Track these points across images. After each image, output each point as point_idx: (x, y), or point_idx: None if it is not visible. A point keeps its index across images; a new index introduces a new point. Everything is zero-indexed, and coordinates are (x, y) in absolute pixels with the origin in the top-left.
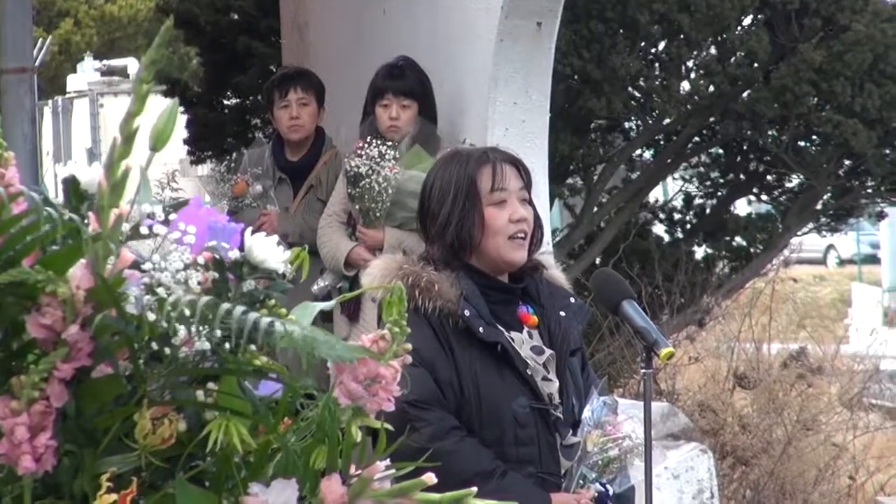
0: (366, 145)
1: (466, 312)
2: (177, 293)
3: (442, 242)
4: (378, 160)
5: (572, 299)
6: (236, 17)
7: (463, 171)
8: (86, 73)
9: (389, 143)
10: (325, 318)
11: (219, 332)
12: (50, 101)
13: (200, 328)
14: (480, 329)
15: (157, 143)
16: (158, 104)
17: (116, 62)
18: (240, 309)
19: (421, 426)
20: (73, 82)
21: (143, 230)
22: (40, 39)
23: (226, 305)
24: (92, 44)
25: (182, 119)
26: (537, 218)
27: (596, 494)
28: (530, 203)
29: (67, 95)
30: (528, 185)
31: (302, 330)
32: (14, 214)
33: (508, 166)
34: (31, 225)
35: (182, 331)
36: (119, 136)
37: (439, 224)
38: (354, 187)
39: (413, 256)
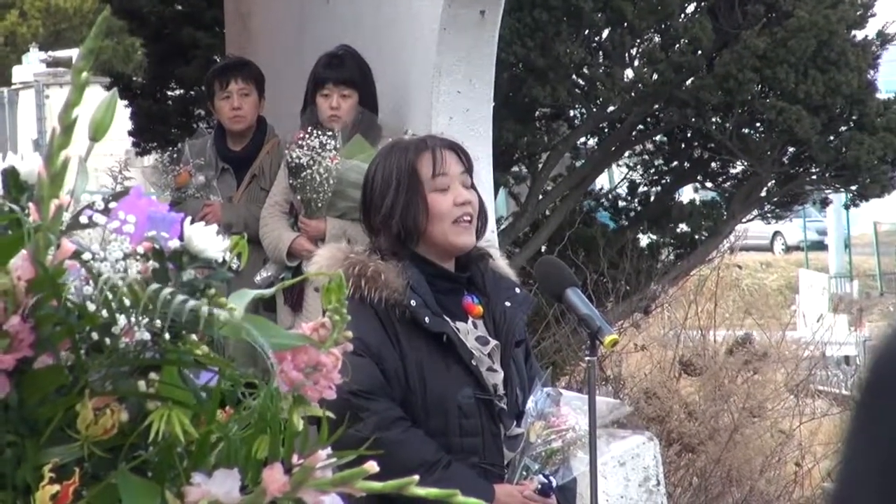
0: (307, 135)
1: (413, 302)
2: (116, 281)
3: (388, 232)
4: (319, 150)
5: (517, 290)
6: (180, 7)
7: (403, 159)
8: (31, 65)
9: (330, 133)
10: (268, 308)
11: (159, 322)
12: None
13: (140, 318)
14: (426, 319)
15: (97, 134)
16: (102, 96)
17: (62, 53)
18: (179, 297)
19: (366, 416)
20: (19, 73)
21: (84, 220)
22: None
23: (167, 290)
24: (38, 35)
25: (126, 111)
26: (481, 203)
27: (539, 486)
28: (473, 188)
29: (13, 87)
30: (469, 169)
31: (240, 318)
32: None
33: (448, 151)
34: None
35: (122, 320)
36: (58, 127)
37: (383, 215)
38: (296, 178)
39: (359, 247)
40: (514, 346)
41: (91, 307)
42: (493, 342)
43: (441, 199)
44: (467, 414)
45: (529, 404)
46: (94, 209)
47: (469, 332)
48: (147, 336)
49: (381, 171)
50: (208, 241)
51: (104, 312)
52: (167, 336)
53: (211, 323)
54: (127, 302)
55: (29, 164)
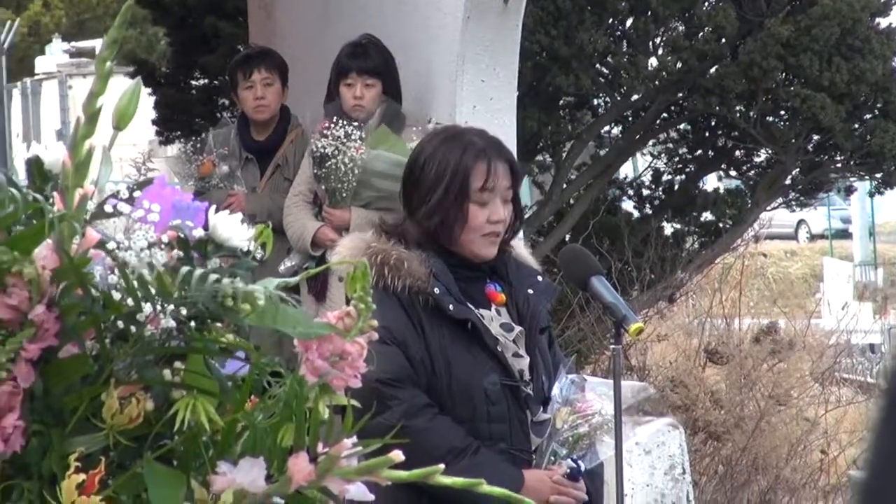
0: (331, 125)
1: (436, 290)
2: (142, 269)
3: (423, 227)
4: (344, 140)
5: (540, 277)
6: None
7: (459, 162)
8: (54, 55)
9: (355, 124)
10: None
11: (185, 310)
12: (19, 83)
13: (166, 305)
14: (450, 307)
15: (121, 123)
16: (125, 85)
17: (85, 44)
18: (212, 276)
19: (393, 404)
20: (42, 64)
21: (108, 209)
22: (9, 21)
23: (199, 271)
24: (61, 25)
25: (150, 100)
26: (518, 211)
27: (567, 470)
28: (514, 199)
29: (36, 77)
30: (515, 183)
31: (270, 295)
32: None
33: (502, 165)
34: None
35: (148, 308)
36: (82, 116)
37: (426, 210)
38: (320, 168)
39: (383, 234)
40: (538, 332)
41: (116, 296)
42: (518, 328)
43: (478, 213)
44: (494, 400)
45: (555, 390)
46: (118, 198)
47: (493, 319)
48: (172, 324)
49: (434, 162)
50: (233, 230)
51: (129, 301)
52: (192, 324)
53: (237, 309)
54: (152, 290)
55: (53, 153)
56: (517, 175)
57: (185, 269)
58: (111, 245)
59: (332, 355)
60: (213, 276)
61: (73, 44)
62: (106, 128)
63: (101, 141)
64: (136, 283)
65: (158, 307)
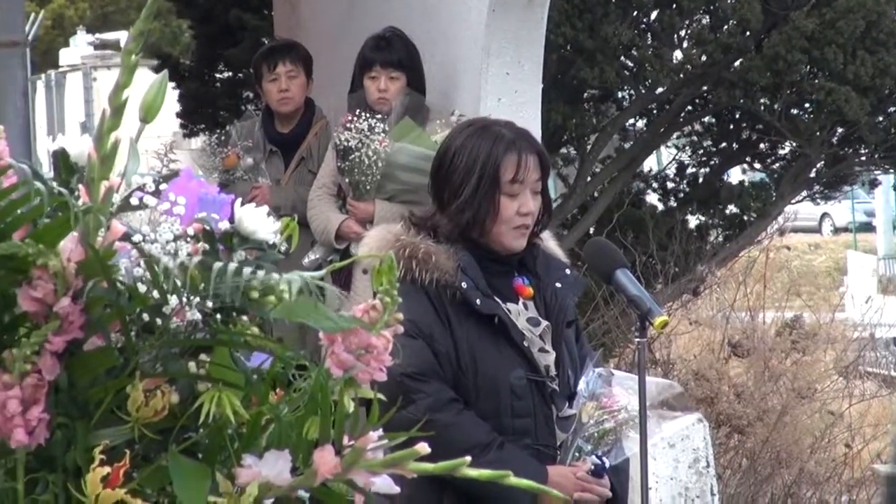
0: (355, 118)
1: (463, 284)
2: (168, 262)
3: (455, 222)
4: (367, 133)
5: (568, 271)
6: None
7: (490, 154)
8: (79, 47)
9: (378, 116)
10: None
11: (210, 303)
12: (43, 76)
13: (192, 297)
14: (477, 301)
15: (148, 115)
16: (149, 79)
17: (109, 36)
18: (233, 267)
19: (419, 398)
20: (66, 56)
21: (134, 201)
22: (33, 13)
23: (219, 263)
24: (85, 17)
25: (174, 93)
26: (547, 203)
27: (592, 467)
28: (543, 191)
29: (60, 69)
30: (545, 175)
31: (299, 281)
32: (4, 188)
33: (533, 158)
34: (21, 198)
35: (174, 300)
36: (108, 109)
37: (458, 205)
38: (344, 161)
39: (411, 227)
40: (565, 326)
41: (142, 288)
42: (545, 323)
43: (509, 205)
44: (519, 395)
45: (581, 385)
46: (144, 191)
47: (520, 314)
48: (198, 316)
49: (465, 154)
50: (259, 222)
51: (155, 293)
52: (218, 317)
53: (263, 304)
54: (178, 282)
55: (79, 145)
56: (546, 167)
57: (215, 264)
58: (137, 237)
59: (357, 348)
60: (241, 269)
61: (97, 36)
62: (130, 120)
63: (126, 133)
64: (161, 277)
65: (184, 299)
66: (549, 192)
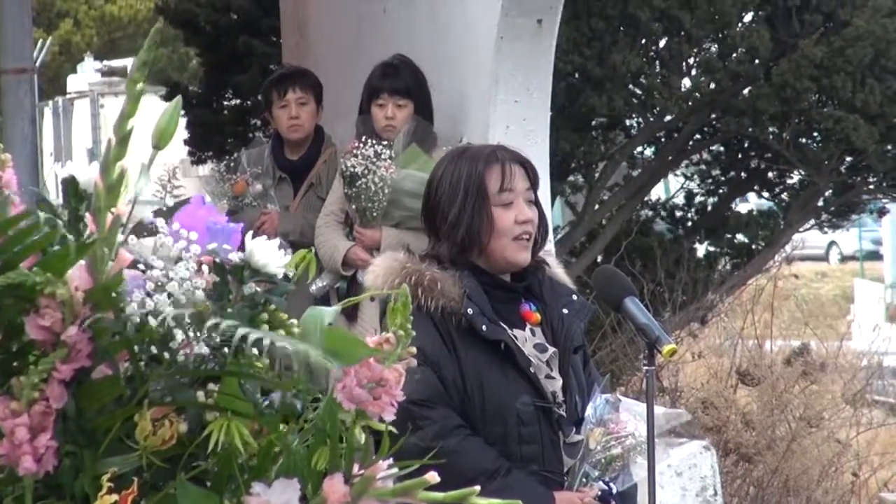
0: (361, 145)
1: (469, 311)
2: (169, 309)
3: (451, 241)
4: (374, 160)
5: (575, 297)
6: (236, 16)
7: (473, 169)
8: (86, 74)
9: (385, 143)
10: None
11: (218, 339)
12: (50, 102)
13: (199, 333)
14: (483, 327)
15: (161, 141)
16: (157, 106)
17: (117, 62)
18: (227, 323)
19: (425, 425)
20: (74, 83)
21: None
22: (40, 40)
23: (212, 321)
24: (92, 44)
25: (182, 120)
26: (542, 217)
27: (599, 493)
28: (536, 203)
29: (68, 96)
30: (534, 185)
31: (293, 344)
32: (11, 216)
33: (517, 166)
34: (29, 227)
35: (180, 335)
36: (114, 138)
37: (449, 223)
38: (351, 187)
39: (416, 255)
40: (572, 352)
41: (152, 322)
42: (552, 349)
43: (504, 215)
44: (526, 422)
45: (588, 410)
46: (155, 219)
47: (527, 340)
48: (206, 350)
49: (448, 178)
50: (270, 255)
51: (160, 328)
52: (226, 350)
53: (273, 352)
54: (187, 320)
55: (88, 172)
56: (535, 178)
57: (211, 322)
58: (154, 273)
59: (369, 382)
60: (242, 331)
61: (104, 62)
62: (137, 149)
63: (135, 160)
64: (171, 322)
65: (191, 335)
66: (542, 204)
